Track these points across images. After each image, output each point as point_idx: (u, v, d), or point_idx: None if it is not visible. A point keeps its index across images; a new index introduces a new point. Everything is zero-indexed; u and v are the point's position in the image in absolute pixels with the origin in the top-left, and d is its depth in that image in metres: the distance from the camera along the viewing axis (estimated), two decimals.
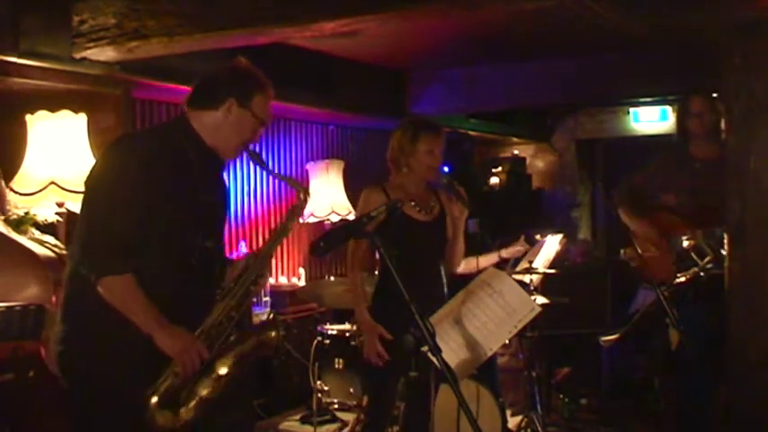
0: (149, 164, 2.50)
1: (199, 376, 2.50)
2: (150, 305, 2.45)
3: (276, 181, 6.30)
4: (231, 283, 2.65)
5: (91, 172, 2.61)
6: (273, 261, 6.27)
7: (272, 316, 2.81)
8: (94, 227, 2.46)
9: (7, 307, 3.42)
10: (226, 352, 2.57)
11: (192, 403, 2.49)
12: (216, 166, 2.73)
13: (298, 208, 2.79)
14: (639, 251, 3.95)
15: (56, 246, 3.88)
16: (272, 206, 6.37)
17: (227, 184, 2.82)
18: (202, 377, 2.51)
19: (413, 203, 3.67)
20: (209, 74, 2.69)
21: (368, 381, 3.80)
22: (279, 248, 6.32)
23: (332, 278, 5.86)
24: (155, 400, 2.44)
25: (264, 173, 6.26)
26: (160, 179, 2.50)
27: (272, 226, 6.38)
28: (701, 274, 3.86)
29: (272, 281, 6.04)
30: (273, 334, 2.67)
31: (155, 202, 2.48)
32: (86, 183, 2.60)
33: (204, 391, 2.51)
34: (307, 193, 2.80)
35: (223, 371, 2.54)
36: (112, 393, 2.48)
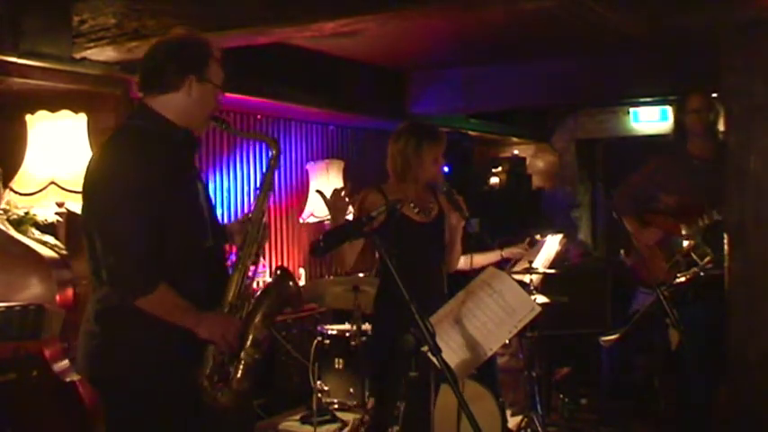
0: (150, 163, 2.48)
1: (239, 348, 2.61)
2: (187, 305, 2.51)
3: (276, 181, 6.29)
4: (239, 253, 2.71)
5: (90, 180, 2.55)
6: (273, 261, 6.28)
7: (278, 272, 2.88)
8: (117, 248, 2.43)
9: (7, 307, 3.42)
10: (253, 316, 2.67)
11: (240, 373, 2.60)
12: (192, 149, 2.74)
13: (273, 160, 2.80)
14: (640, 251, 3.97)
15: (56, 246, 3.88)
16: (271, 206, 6.37)
17: (201, 175, 2.82)
18: (241, 347, 2.62)
19: (411, 205, 3.66)
20: (155, 56, 2.62)
21: (374, 383, 3.79)
22: (279, 248, 6.36)
23: (332, 278, 5.86)
24: (206, 383, 2.56)
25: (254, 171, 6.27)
26: (161, 179, 2.49)
27: (272, 226, 6.39)
28: (701, 274, 3.87)
29: (271, 281, 6.03)
30: (291, 284, 2.79)
31: (161, 203, 2.47)
32: (88, 192, 2.55)
33: (248, 359, 2.62)
34: (276, 145, 2.81)
35: (258, 335, 2.65)
36: (154, 393, 2.52)
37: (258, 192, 2.79)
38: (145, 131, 2.58)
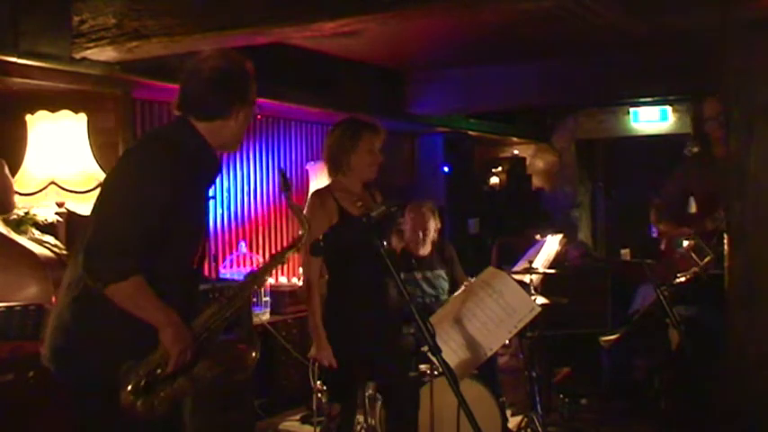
0: (174, 176, 2.47)
1: (179, 373, 2.50)
2: (160, 303, 2.45)
3: (276, 181, 6.30)
4: (231, 291, 2.65)
5: (112, 174, 2.59)
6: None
7: (251, 336, 2.77)
8: (97, 233, 2.42)
9: (7, 307, 3.42)
10: (206, 356, 2.56)
11: (164, 394, 2.48)
12: (216, 170, 2.74)
13: (298, 240, 2.76)
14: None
15: (56, 246, 3.88)
16: (272, 206, 6.37)
17: None
18: (180, 375, 2.51)
19: (359, 204, 3.58)
20: (198, 84, 2.61)
21: (335, 391, 3.77)
22: (279, 248, 6.35)
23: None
24: (133, 382, 2.44)
25: (265, 176, 6.28)
26: (183, 184, 2.49)
27: (272, 226, 6.39)
28: (701, 274, 3.88)
29: (271, 281, 6.04)
30: (254, 354, 2.66)
31: (177, 207, 2.46)
32: (106, 183, 2.59)
33: (178, 387, 2.50)
34: (307, 229, 2.78)
35: (200, 373, 2.54)
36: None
37: (270, 259, 2.75)
38: (180, 145, 2.57)
